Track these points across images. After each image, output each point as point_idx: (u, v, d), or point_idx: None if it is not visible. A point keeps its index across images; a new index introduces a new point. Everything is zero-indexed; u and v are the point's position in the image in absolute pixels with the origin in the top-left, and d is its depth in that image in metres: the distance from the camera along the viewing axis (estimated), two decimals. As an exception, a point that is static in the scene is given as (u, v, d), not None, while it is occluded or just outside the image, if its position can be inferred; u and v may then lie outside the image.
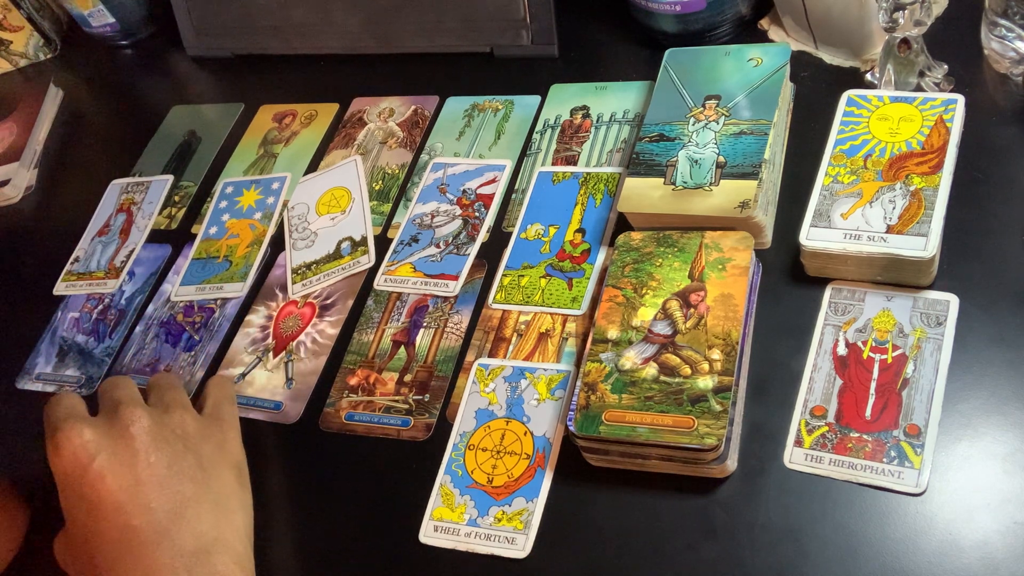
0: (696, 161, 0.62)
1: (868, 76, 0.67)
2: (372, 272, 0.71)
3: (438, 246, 0.70)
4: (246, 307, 0.72)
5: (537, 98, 0.78)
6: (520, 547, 0.54)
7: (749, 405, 0.55)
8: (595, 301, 0.62)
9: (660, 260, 0.59)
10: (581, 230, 0.67)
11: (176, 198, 0.83)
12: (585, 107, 0.75)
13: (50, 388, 0.73)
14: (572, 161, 0.72)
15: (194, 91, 0.93)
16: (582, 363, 0.56)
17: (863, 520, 0.50)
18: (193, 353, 0.71)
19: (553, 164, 0.72)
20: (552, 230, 0.68)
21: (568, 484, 0.56)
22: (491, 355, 0.63)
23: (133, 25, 0.98)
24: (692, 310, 0.56)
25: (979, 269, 0.56)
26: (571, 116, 0.75)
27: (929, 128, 0.59)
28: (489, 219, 0.71)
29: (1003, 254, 0.57)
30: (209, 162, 0.84)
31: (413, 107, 0.82)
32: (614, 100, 0.75)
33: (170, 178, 0.84)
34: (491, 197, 0.72)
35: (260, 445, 0.63)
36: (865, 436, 0.52)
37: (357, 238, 0.73)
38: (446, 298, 0.67)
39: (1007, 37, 0.62)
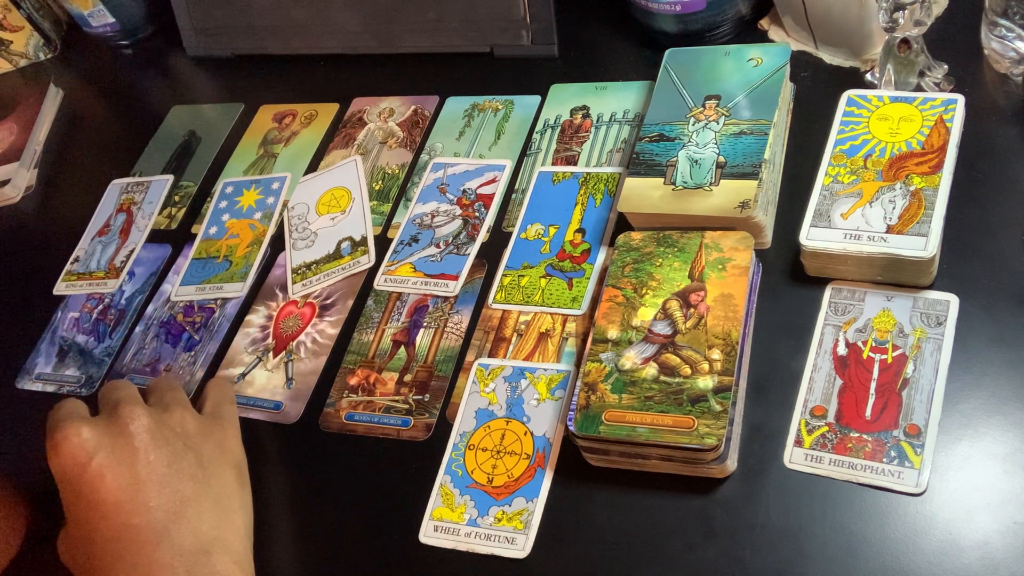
0: (696, 161, 0.62)
1: (868, 76, 0.67)
2: (372, 272, 0.71)
3: (438, 246, 0.70)
4: (246, 307, 0.72)
5: (537, 98, 0.78)
6: (520, 547, 0.54)
7: (749, 405, 0.55)
8: (595, 301, 0.62)
9: (660, 260, 0.59)
10: (581, 230, 0.67)
11: (176, 198, 0.83)
12: (585, 107, 0.75)
13: (50, 388, 0.73)
14: (572, 161, 0.72)
15: (194, 91, 0.93)
16: (582, 363, 0.56)
17: (863, 520, 0.50)
18: (193, 353, 0.71)
19: (553, 164, 0.72)
20: (552, 230, 0.68)
21: (568, 484, 0.56)
22: (491, 355, 0.63)
23: (133, 25, 0.98)
24: (692, 310, 0.56)
25: (979, 269, 0.56)
26: (571, 116, 0.75)
27: (929, 128, 0.59)
28: (489, 219, 0.71)
29: (1003, 254, 0.57)
30: (209, 162, 0.84)
31: (413, 107, 0.82)
32: (614, 100, 0.75)
33: (170, 178, 0.84)
34: (491, 197, 0.72)
35: (260, 445, 0.63)
36: (865, 436, 0.52)
37: (357, 238, 0.73)
38: (446, 298, 0.67)
39: (1007, 37, 0.62)
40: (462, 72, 0.82)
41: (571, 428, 0.53)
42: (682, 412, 0.52)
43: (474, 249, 0.69)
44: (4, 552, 0.61)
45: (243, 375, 0.68)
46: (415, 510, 0.57)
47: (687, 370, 0.54)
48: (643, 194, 0.61)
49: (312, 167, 0.80)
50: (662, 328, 0.56)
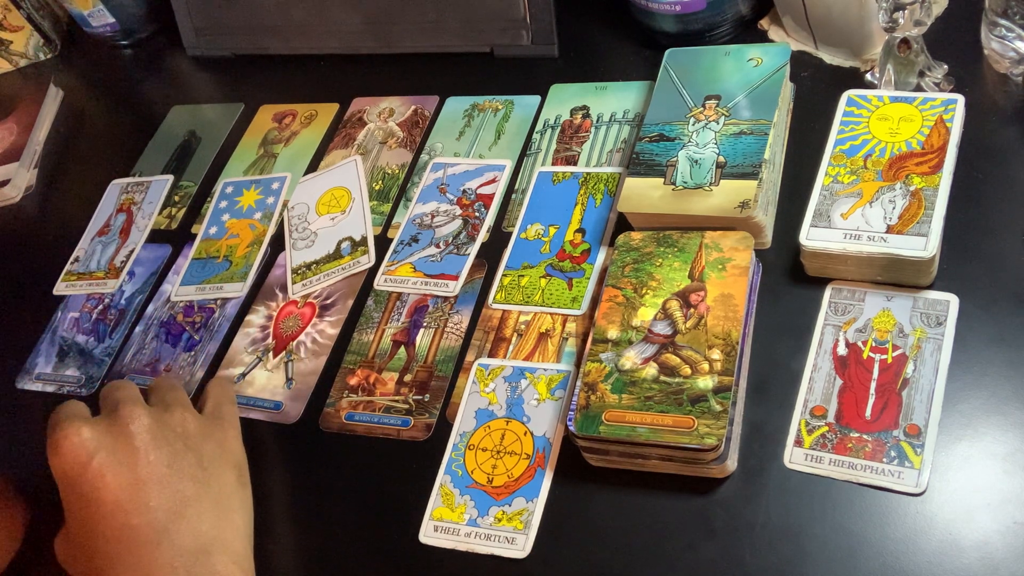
0: (696, 161, 0.62)
1: (868, 76, 0.67)
2: (372, 272, 0.71)
3: (438, 246, 0.70)
4: (246, 307, 0.72)
5: (537, 98, 0.78)
6: (520, 547, 0.54)
7: (749, 405, 0.55)
8: (595, 301, 0.62)
9: (660, 260, 0.59)
10: (581, 230, 0.67)
11: (176, 198, 0.83)
12: (585, 107, 0.75)
13: (50, 388, 0.73)
14: (572, 161, 0.72)
15: (194, 91, 0.93)
16: (582, 363, 0.56)
17: (863, 520, 0.50)
18: (193, 353, 0.71)
19: (553, 164, 0.72)
20: (552, 230, 0.68)
21: (568, 484, 0.56)
22: (491, 355, 0.63)
23: (133, 25, 0.98)
24: (692, 310, 0.56)
25: (979, 269, 0.56)
26: (571, 116, 0.75)
27: (929, 128, 0.59)
28: (489, 219, 0.71)
29: (1003, 254, 0.57)
30: (209, 162, 0.84)
31: (413, 107, 0.82)
32: (614, 100, 0.75)
33: (170, 178, 0.84)
34: (491, 197, 0.72)
35: (260, 445, 0.63)
36: (865, 436, 0.52)
37: (357, 238, 0.73)
38: (446, 298, 0.67)
39: (1007, 37, 0.62)
40: (462, 72, 0.82)
41: (571, 428, 0.53)
42: (682, 412, 0.52)
43: (474, 249, 0.69)
44: (4, 552, 0.61)
45: (243, 375, 0.68)
46: (415, 510, 0.57)
47: (687, 370, 0.54)
48: (643, 194, 0.61)
49: (312, 167, 0.80)
50: (662, 328, 0.56)
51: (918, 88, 0.63)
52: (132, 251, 0.79)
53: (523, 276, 0.66)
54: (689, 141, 0.63)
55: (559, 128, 0.75)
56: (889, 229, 0.55)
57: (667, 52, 0.69)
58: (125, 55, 1.00)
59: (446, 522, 0.56)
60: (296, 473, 0.62)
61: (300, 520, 0.60)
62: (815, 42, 0.70)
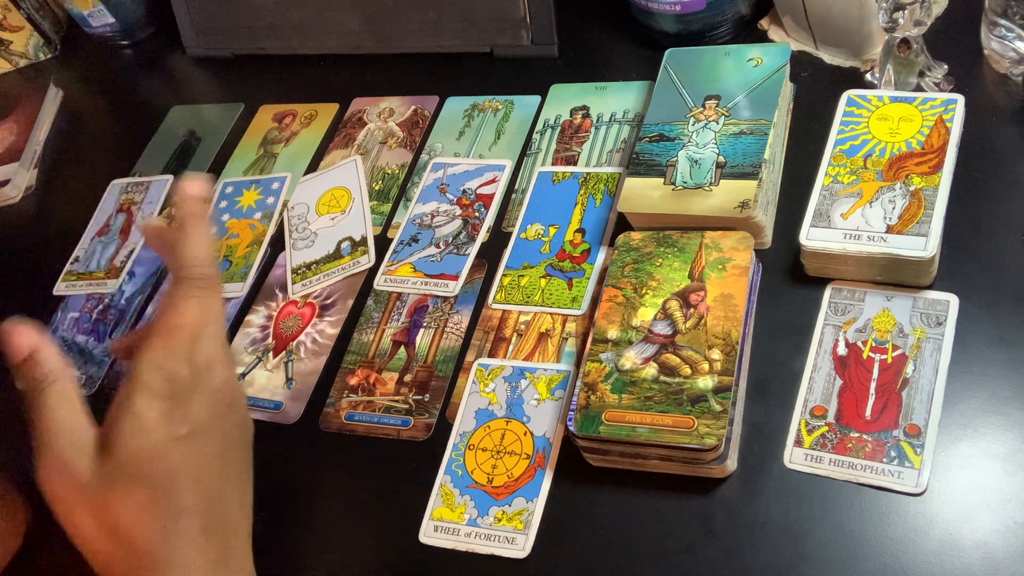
0: (696, 161, 0.62)
1: (868, 76, 0.67)
2: (372, 272, 0.71)
3: (438, 246, 0.70)
4: (246, 307, 0.72)
5: (537, 98, 0.78)
6: (520, 547, 0.54)
7: (749, 405, 0.55)
8: (595, 301, 0.62)
9: (660, 260, 0.59)
10: (581, 230, 0.67)
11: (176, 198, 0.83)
12: (585, 107, 0.75)
13: (50, 388, 0.73)
14: (572, 161, 0.72)
15: (194, 91, 0.93)
16: (582, 363, 0.56)
17: (863, 520, 0.50)
18: (193, 353, 0.71)
19: (553, 164, 0.72)
20: (552, 230, 0.68)
21: (568, 484, 0.56)
22: (491, 355, 0.63)
23: (133, 25, 0.98)
24: (692, 310, 0.56)
25: (979, 269, 0.56)
26: (571, 116, 0.75)
27: (929, 128, 0.59)
28: (489, 219, 0.71)
29: (1003, 254, 0.57)
30: (209, 162, 0.84)
31: (413, 107, 0.82)
32: (614, 100, 0.75)
33: (170, 178, 0.84)
34: (491, 197, 0.72)
35: (260, 445, 0.63)
36: (865, 436, 0.52)
37: (357, 238, 0.73)
38: (446, 298, 0.67)
39: (1007, 37, 0.62)
40: (462, 72, 0.82)
41: (571, 428, 0.53)
42: (682, 412, 0.52)
43: (474, 249, 0.69)
44: (4, 552, 0.61)
45: (243, 375, 0.68)
46: (415, 510, 0.57)
47: (687, 370, 0.54)
48: (643, 194, 0.61)
49: (312, 167, 0.80)
50: (662, 328, 0.56)
51: (918, 88, 0.63)
52: (132, 251, 0.79)
53: (523, 276, 0.66)
54: (689, 141, 0.63)
55: (559, 128, 0.75)
56: (889, 229, 0.55)
57: (667, 52, 0.69)
58: (125, 55, 1.00)
59: (446, 522, 0.56)
60: (296, 473, 0.62)
61: (300, 520, 0.60)
62: (815, 42, 0.70)
